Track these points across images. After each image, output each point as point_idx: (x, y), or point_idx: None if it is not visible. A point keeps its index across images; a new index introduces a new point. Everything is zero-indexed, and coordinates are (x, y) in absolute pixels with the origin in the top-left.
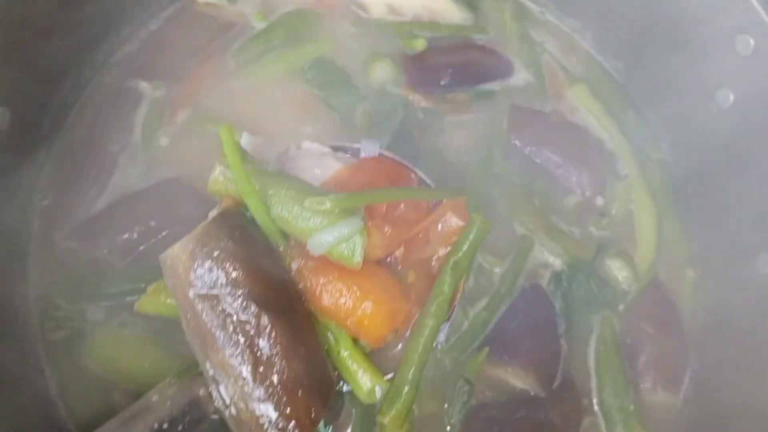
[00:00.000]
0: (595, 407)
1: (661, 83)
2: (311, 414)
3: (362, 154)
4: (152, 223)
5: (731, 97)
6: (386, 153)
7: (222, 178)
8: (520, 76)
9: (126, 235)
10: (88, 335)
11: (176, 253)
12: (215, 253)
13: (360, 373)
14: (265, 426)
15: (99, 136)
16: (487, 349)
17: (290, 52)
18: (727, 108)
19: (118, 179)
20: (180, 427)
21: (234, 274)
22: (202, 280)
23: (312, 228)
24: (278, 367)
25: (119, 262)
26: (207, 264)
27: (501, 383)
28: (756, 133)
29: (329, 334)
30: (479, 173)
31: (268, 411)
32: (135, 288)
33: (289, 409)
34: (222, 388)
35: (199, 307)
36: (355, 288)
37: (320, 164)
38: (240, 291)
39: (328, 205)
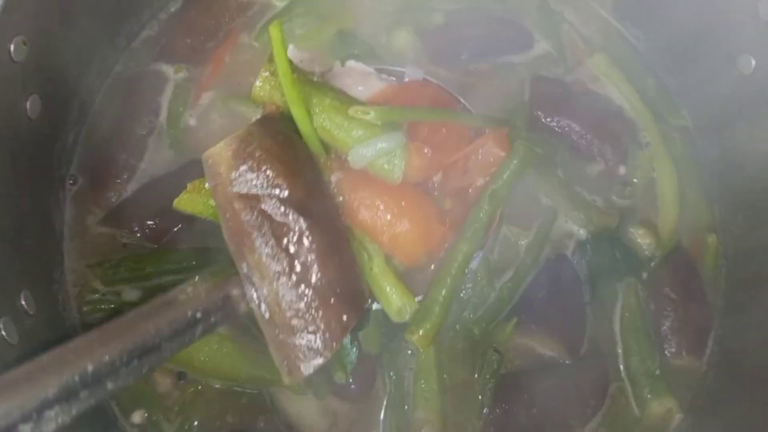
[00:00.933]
0: (622, 373)
1: (681, 50)
2: (342, 321)
3: (406, 78)
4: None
5: (753, 62)
6: (431, 78)
7: (267, 85)
8: (540, 47)
9: (157, 219)
10: None
11: (219, 152)
12: (258, 154)
13: (391, 291)
14: (296, 328)
15: (127, 120)
16: (515, 320)
17: (312, 29)
18: (748, 74)
19: (148, 162)
20: (213, 319)
21: (275, 177)
22: (244, 179)
23: (354, 140)
24: (313, 271)
25: (152, 244)
26: (249, 163)
27: (529, 352)
28: None
29: (363, 250)
30: None
31: (299, 314)
32: (168, 269)
33: (320, 313)
34: (256, 288)
35: (239, 206)
36: (393, 205)
37: (364, 83)
38: (280, 193)
39: (372, 115)
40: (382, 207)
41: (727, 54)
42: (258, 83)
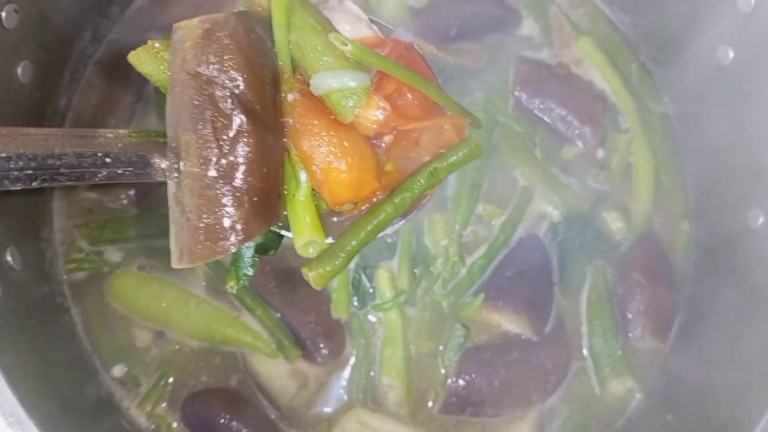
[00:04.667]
0: (585, 352)
1: (666, 37)
2: (249, 226)
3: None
4: None
5: (731, 53)
6: (417, 47)
7: None
8: (528, 28)
9: (140, 184)
10: (109, 276)
11: (190, 26)
12: (227, 42)
13: (306, 223)
14: (204, 217)
15: (117, 87)
16: (483, 295)
17: None
18: (726, 64)
19: (135, 126)
20: (120, 170)
21: (235, 70)
22: (205, 60)
23: (322, 65)
24: (238, 172)
25: (135, 209)
26: (215, 47)
27: (495, 327)
28: (754, 90)
29: (293, 176)
30: (484, 122)
31: (211, 205)
32: (150, 233)
33: (231, 211)
34: (178, 166)
35: (191, 84)
36: (336, 142)
37: (352, 25)
38: (234, 87)
39: (349, 48)
40: (326, 140)
41: (708, 44)
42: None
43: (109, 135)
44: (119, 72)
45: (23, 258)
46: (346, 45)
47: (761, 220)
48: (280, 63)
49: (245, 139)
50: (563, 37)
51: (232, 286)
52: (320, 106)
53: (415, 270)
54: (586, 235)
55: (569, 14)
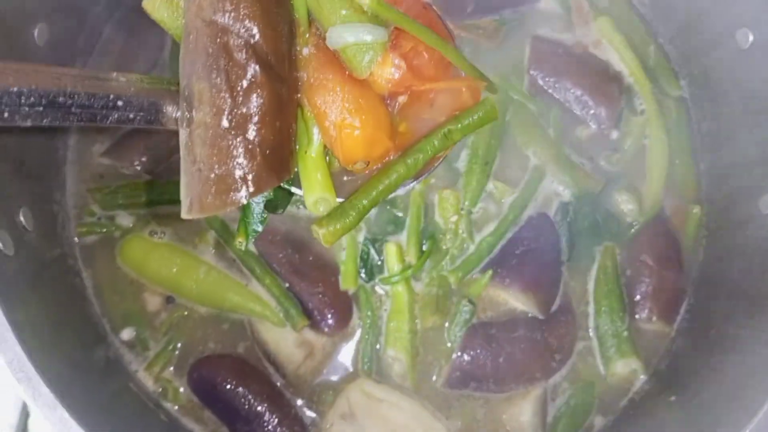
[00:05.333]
0: (591, 332)
1: (685, 19)
2: (260, 179)
3: None
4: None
5: (751, 37)
6: (435, 8)
7: None
8: (546, 5)
9: (154, 151)
10: (120, 240)
11: None
12: None
13: (317, 180)
14: (215, 168)
15: (131, 53)
16: (490, 272)
17: None
18: (746, 48)
19: None
20: (131, 115)
21: (251, 19)
22: (221, 8)
23: (339, 18)
24: (251, 124)
25: (148, 176)
26: None
27: (502, 304)
28: None
29: (306, 132)
30: (498, 99)
31: (223, 156)
32: (161, 199)
33: (244, 162)
34: (190, 114)
35: (205, 32)
36: (351, 98)
37: None
38: (250, 37)
39: (368, 2)
40: (340, 96)
41: (727, 26)
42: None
43: (122, 79)
44: (134, 37)
45: (35, 219)
46: (366, 0)
47: None
48: (297, 15)
49: (259, 91)
50: (582, 16)
51: (240, 242)
52: (335, 61)
53: (424, 245)
54: (596, 215)
55: None
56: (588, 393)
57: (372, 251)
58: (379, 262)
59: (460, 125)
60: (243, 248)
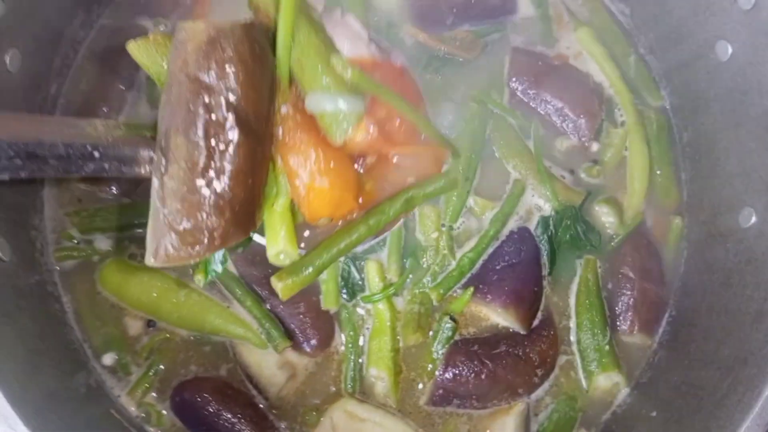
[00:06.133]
0: (573, 346)
1: (665, 30)
2: (226, 235)
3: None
4: None
5: (730, 50)
6: (409, 71)
7: None
8: (526, 17)
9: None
10: (99, 265)
11: (196, 29)
12: (230, 53)
13: (281, 233)
14: (182, 220)
15: (108, 74)
16: (472, 289)
17: None
18: (725, 61)
19: (126, 116)
20: (106, 165)
21: (235, 81)
22: (206, 67)
23: (320, 85)
24: (223, 181)
25: (126, 198)
26: (217, 57)
27: (483, 320)
28: (752, 88)
29: (275, 185)
30: (478, 112)
31: (192, 209)
32: (139, 222)
33: (211, 218)
34: (165, 164)
35: (189, 87)
36: (322, 160)
37: (352, 42)
38: (231, 98)
39: (350, 74)
40: (312, 158)
41: (707, 39)
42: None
43: (99, 127)
44: (111, 58)
45: (12, 248)
46: (348, 71)
47: (753, 219)
48: (279, 74)
49: (236, 150)
50: (562, 27)
51: (199, 279)
52: (311, 122)
53: (405, 262)
54: (577, 228)
55: (568, 3)
56: (570, 407)
57: (353, 270)
58: (360, 281)
59: (422, 192)
60: (201, 285)
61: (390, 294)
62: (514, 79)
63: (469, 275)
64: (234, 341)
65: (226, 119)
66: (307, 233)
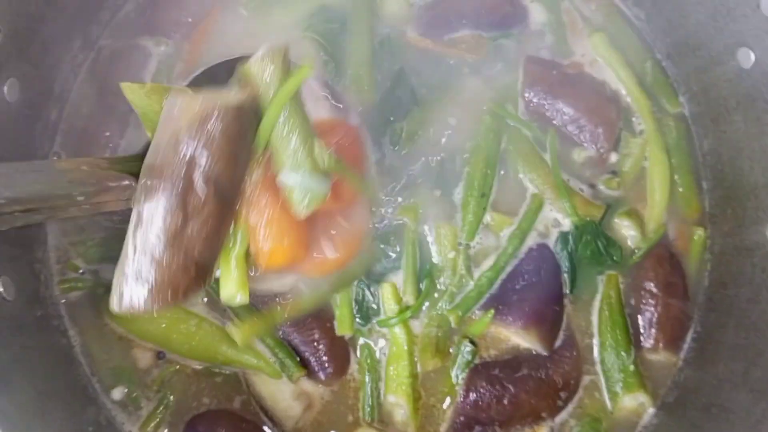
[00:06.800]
0: (596, 366)
1: (683, 36)
2: (185, 292)
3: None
4: None
5: (753, 57)
6: (362, 133)
7: (263, 68)
8: (539, 24)
9: None
10: (105, 296)
11: (191, 102)
12: (218, 133)
13: (234, 276)
14: (144, 270)
15: (109, 96)
16: (492, 312)
17: None
18: (748, 68)
19: (128, 139)
20: (89, 206)
21: (219, 156)
22: (194, 140)
23: (295, 163)
24: (195, 243)
25: None
26: (207, 133)
27: (504, 342)
28: None
29: (234, 236)
30: (492, 125)
31: (156, 261)
32: None
33: (170, 276)
34: (141, 210)
35: (174, 151)
36: (283, 223)
37: (314, 103)
38: (213, 171)
39: (326, 160)
40: (274, 220)
41: (728, 45)
42: (258, 58)
43: (84, 167)
44: (111, 80)
45: (16, 285)
46: (325, 158)
47: None
48: (256, 143)
49: (209, 219)
50: (576, 34)
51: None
52: (277, 191)
53: (421, 284)
54: (597, 243)
55: (581, 9)
56: (595, 429)
57: (367, 293)
58: (375, 305)
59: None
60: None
61: (407, 317)
62: (528, 90)
63: (488, 295)
64: (247, 372)
65: (205, 191)
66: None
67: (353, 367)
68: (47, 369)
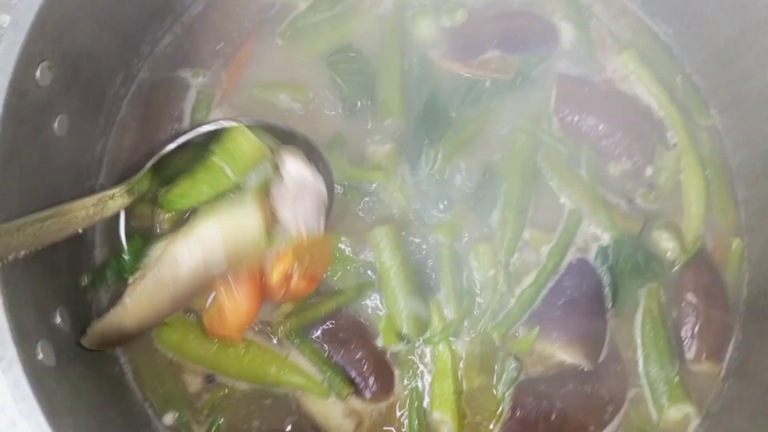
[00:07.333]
0: (641, 379)
1: (712, 49)
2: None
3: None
4: None
5: None
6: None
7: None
8: (567, 43)
9: None
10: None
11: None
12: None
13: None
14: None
15: (151, 128)
16: (537, 329)
17: (336, 26)
18: None
19: None
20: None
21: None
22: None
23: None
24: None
25: None
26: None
27: (549, 358)
28: None
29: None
30: (527, 143)
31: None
32: None
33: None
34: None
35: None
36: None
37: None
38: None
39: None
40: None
41: (759, 59)
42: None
43: (90, 208)
44: (152, 111)
45: (71, 316)
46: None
47: None
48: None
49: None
50: (605, 51)
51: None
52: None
53: (462, 301)
54: (637, 257)
55: (610, 26)
56: None
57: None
58: (419, 322)
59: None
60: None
61: (449, 334)
62: (561, 107)
63: (529, 311)
64: (296, 392)
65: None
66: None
67: (398, 386)
68: (104, 397)
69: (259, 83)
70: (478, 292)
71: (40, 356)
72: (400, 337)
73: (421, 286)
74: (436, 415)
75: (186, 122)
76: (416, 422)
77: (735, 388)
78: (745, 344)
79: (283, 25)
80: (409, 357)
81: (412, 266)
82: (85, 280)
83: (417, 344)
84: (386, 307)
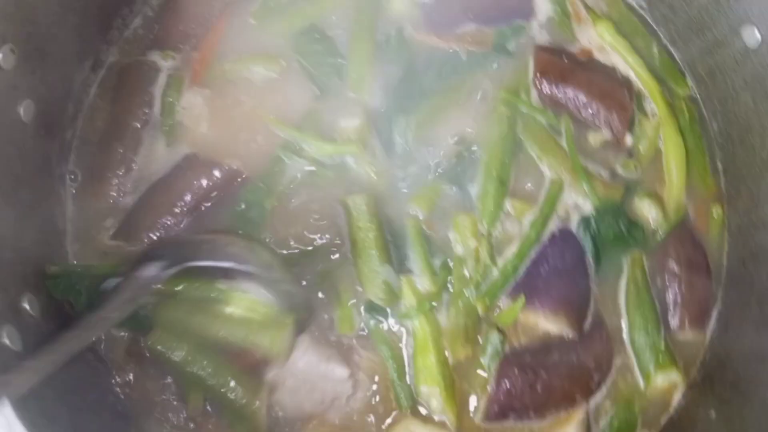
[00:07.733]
0: (627, 346)
1: (686, 19)
2: None
3: None
4: (177, 210)
5: (758, 35)
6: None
7: None
8: (543, 15)
9: (160, 230)
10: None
11: None
12: None
13: None
14: None
15: (121, 113)
16: (523, 299)
17: (310, 3)
18: (755, 48)
19: (143, 156)
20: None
21: None
22: None
23: None
24: None
25: None
26: None
27: (534, 329)
28: None
29: None
30: (506, 114)
31: None
32: None
33: None
34: None
35: None
36: None
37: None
38: None
39: None
40: None
41: (732, 26)
42: None
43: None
44: (123, 96)
45: (41, 302)
46: None
47: None
48: None
49: None
50: (581, 23)
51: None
52: None
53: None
54: (619, 225)
55: None
56: (629, 410)
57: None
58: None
59: None
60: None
61: (426, 309)
62: (539, 78)
63: (513, 282)
64: None
65: None
66: None
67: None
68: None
69: (230, 60)
70: (453, 264)
71: (5, 340)
72: (354, 326)
73: (395, 259)
74: (424, 389)
75: (156, 107)
76: (405, 396)
77: (718, 356)
78: (727, 312)
79: (256, 4)
80: (386, 333)
81: (385, 238)
82: (51, 268)
83: (394, 321)
84: (358, 274)
